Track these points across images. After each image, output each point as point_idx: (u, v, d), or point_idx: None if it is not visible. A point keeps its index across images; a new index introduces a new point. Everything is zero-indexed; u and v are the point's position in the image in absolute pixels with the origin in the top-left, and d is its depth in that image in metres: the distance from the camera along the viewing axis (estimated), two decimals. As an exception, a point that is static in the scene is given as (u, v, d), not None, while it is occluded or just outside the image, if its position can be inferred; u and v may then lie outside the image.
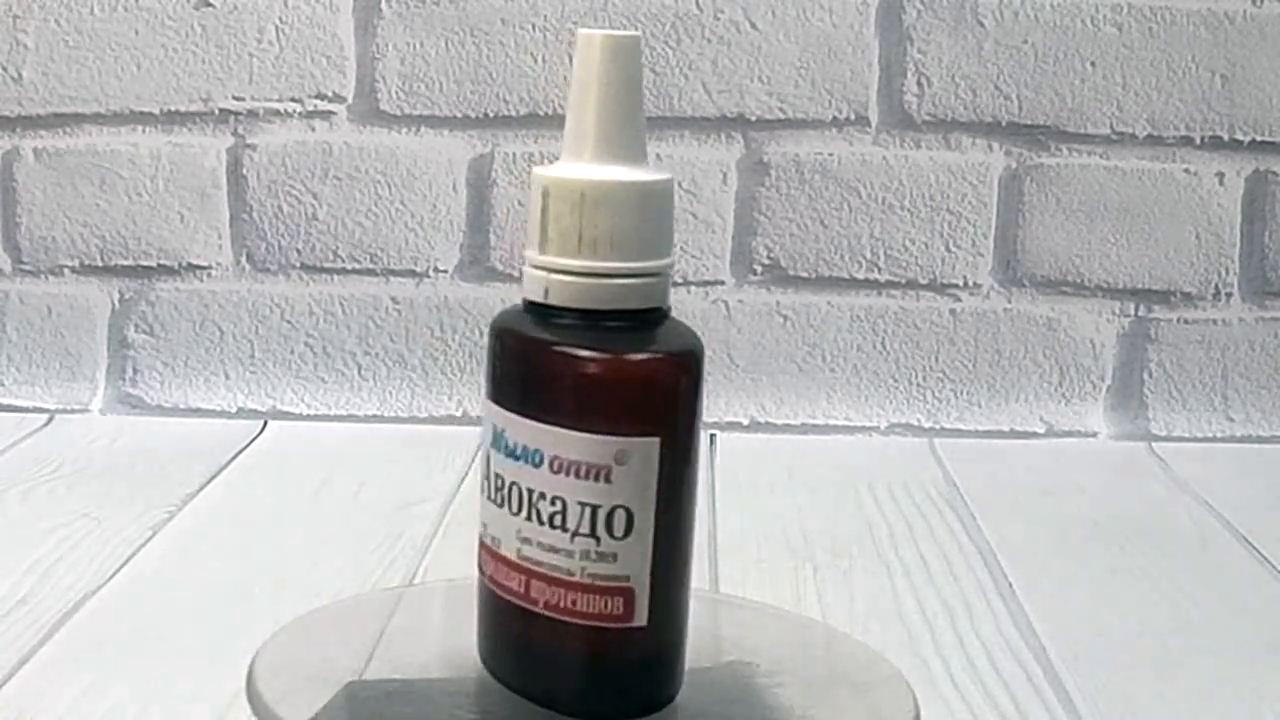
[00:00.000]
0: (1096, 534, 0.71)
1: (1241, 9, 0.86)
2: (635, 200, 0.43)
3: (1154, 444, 0.87)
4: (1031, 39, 0.86)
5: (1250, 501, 0.77)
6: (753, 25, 0.85)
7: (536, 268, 0.44)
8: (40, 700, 0.49)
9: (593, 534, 0.42)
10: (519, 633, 0.44)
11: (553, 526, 0.43)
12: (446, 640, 0.47)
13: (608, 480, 0.42)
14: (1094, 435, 0.88)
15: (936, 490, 0.77)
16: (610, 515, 0.42)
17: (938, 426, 0.88)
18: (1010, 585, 0.63)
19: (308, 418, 0.87)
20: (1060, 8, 0.85)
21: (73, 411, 0.87)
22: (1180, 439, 0.88)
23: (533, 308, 0.44)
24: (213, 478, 0.76)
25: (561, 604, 0.43)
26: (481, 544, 0.45)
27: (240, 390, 0.87)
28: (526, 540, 0.43)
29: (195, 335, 0.87)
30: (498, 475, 0.44)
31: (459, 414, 0.87)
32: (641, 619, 0.43)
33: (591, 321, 0.43)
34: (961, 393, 0.88)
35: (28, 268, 0.87)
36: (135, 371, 0.88)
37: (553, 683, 0.44)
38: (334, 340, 0.87)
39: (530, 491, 0.43)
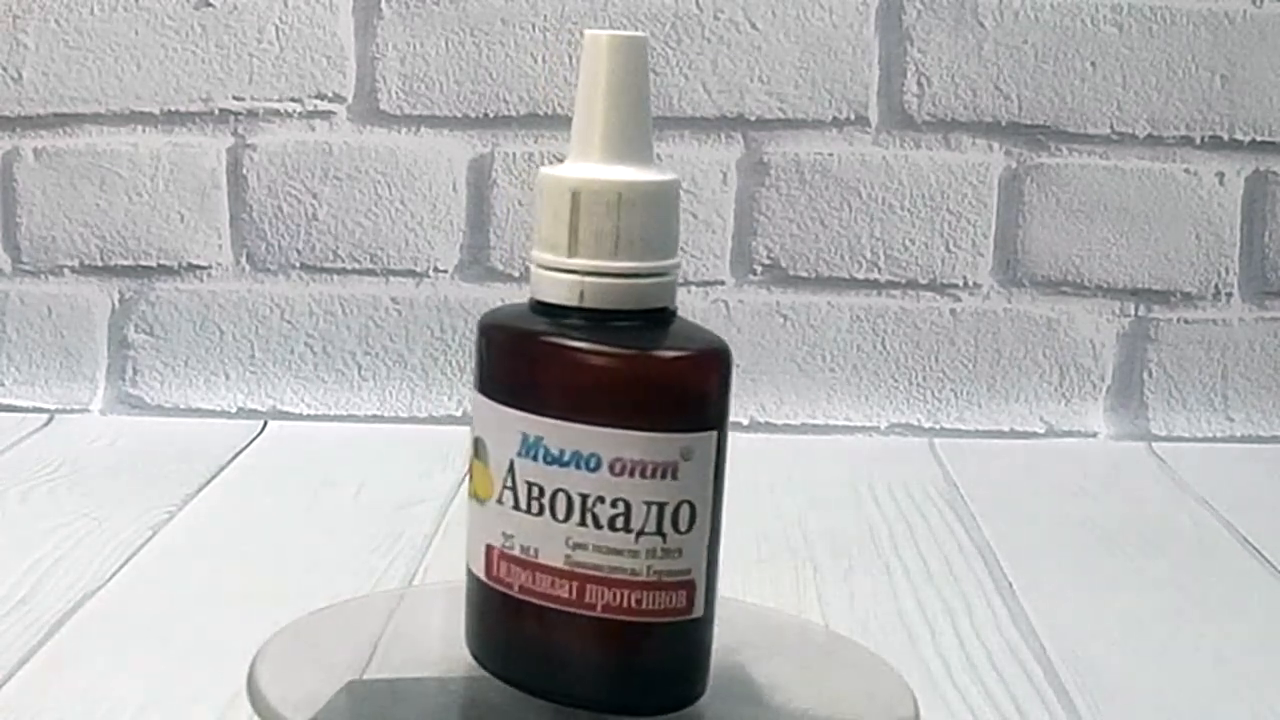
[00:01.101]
0: (1096, 534, 0.71)
1: (1241, 9, 0.86)
2: (663, 199, 0.44)
3: (1154, 444, 0.87)
4: (1031, 39, 0.86)
5: (1250, 501, 0.77)
6: (753, 25, 0.85)
7: (566, 271, 0.43)
8: (40, 700, 0.49)
9: (659, 531, 0.43)
10: (562, 639, 0.44)
11: (613, 529, 0.43)
12: (447, 641, 0.47)
13: (674, 477, 0.43)
14: (1094, 435, 0.88)
15: (936, 490, 0.77)
16: (676, 511, 0.43)
17: (938, 426, 0.88)
18: (1010, 585, 0.63)
19: (308, 418, 0.87)
20: (1060, 8, 0.85)
21: (73, 411, 0.87)
22: (1180, 439, 0.88)
23: (544, 309, 0.44)
24: (213, 478, 0.76)
25: (624, 604, 0.43)
26: (501, 555, 0.44)
27: (240, 390, 0.88)
28: (580, 546, 0.43)
29: (195, 335, 0.87)
30: (531, 484, 0.43)
31: (459, 414, 0.87)
32: (699, 610, 0.44)
33: (600, 321, 0.43)
34: (961, 393, 0.88)
35: (28, 268, 0.87)
36: (135, 371, 0.88)
37: (603, 684, 0.44)
38: (334, 340, 0.87)
39: (584, 497, 0.43)
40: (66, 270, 0.87)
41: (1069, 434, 0.88)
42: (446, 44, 0.85)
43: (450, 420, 0.87)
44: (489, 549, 0.44)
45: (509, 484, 0.44)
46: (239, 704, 0.46)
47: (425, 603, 0.56)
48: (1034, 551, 0.68)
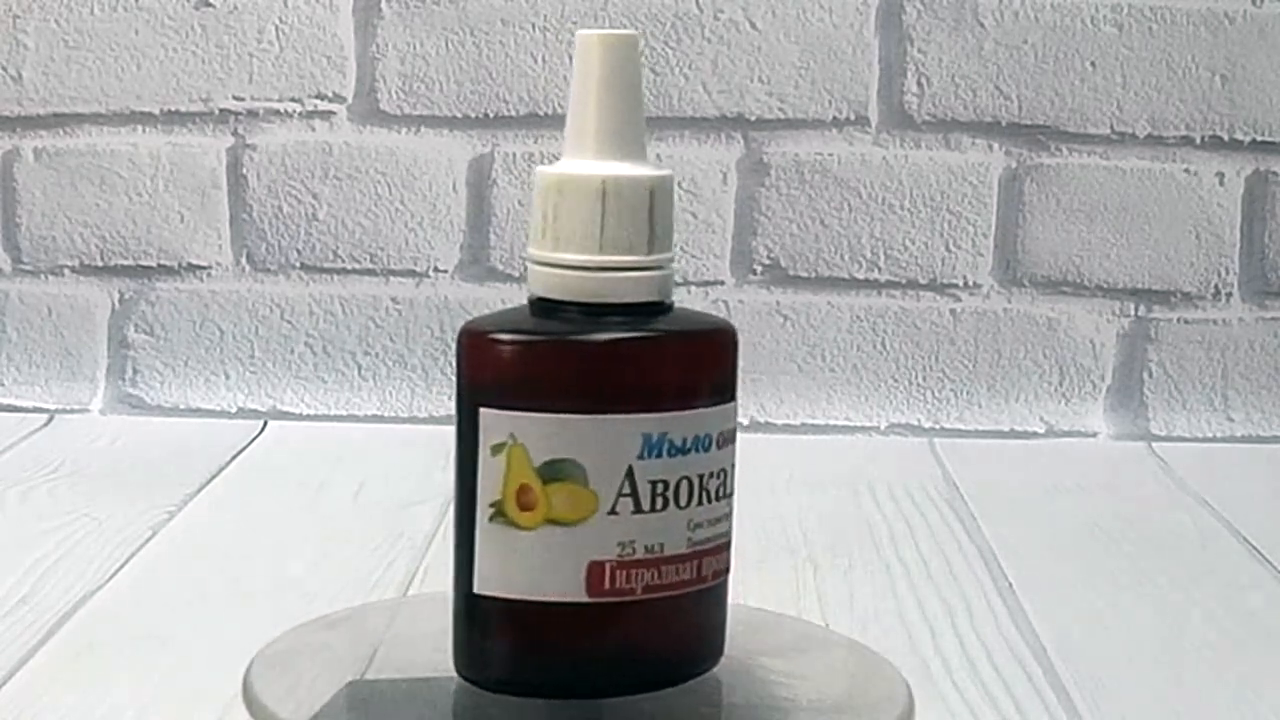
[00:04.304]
0: (1096, 534, 0.71)
1: (1241, 9, 0.86)
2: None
3: (1154, 444, 0.87)
4: (1031, 39, 0.86)
5: (1250, 501, 0.77)
6: (753, 25, 0.85)
7: (648, 269, 0.44)
8: (40, 700, 0.49)
9: (731, 490, 0.46)
10: (683, 618, 0.45)
11: (717, 498, 0.45)
12: (448, 644, 0.47)
13: (735, 437, 0.46)
14: (1094, 435, 0.88)
15: (936, 490, 0.77)
16: (734, 466, 0.46)
17: (938, 426, 0.88)
18: (1010, 585, 0.63)
19: (308, 418, 0.87)
20: (1060, 8, 0.85)
21: (73, 411, 0.87)
22: (1180, 439, 0.88)
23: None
24: (213, 478, 0.76)
25: (723, 565, 0.46)
26: (619, 565, 0.43)
27: (240, 390, 0.88)
28: (698, 525, 0.44)
29: (195, 335, 0.87)
30: (655, 481, 0.43)
31: (459, 414, 0.87)
32: None
33: (644, 313, 0.44)
34: (961, 393, 0.88)
35: (28, 268, 0.87)
36: (135, 371, 0.88)
37: (705, 648, 0.46)
38: (334, 340, 0.87)
39: (700, 477, 0.44)
40: (66, 270, 0.87)
41: (1069, 434, 0.88)
42: (446, 44, 0.86)
43: (450, 420, 0.87)
44: (594, 567, 0.43)
45: (626, 491, 0.43)
46: (239, 704, 0.46)
47: (426, 609, 0.55)
48: (1034, 551, 0.68)
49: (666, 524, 0.44)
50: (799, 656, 0.53)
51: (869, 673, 0.51)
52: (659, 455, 0.43)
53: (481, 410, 0.44)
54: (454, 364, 0.45)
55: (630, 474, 0.43)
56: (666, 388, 0.44)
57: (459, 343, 0.45)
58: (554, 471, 0.43)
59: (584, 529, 0.43)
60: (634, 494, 0.43)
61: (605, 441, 0.43)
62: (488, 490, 0.43)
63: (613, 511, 0.43)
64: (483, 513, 0.44)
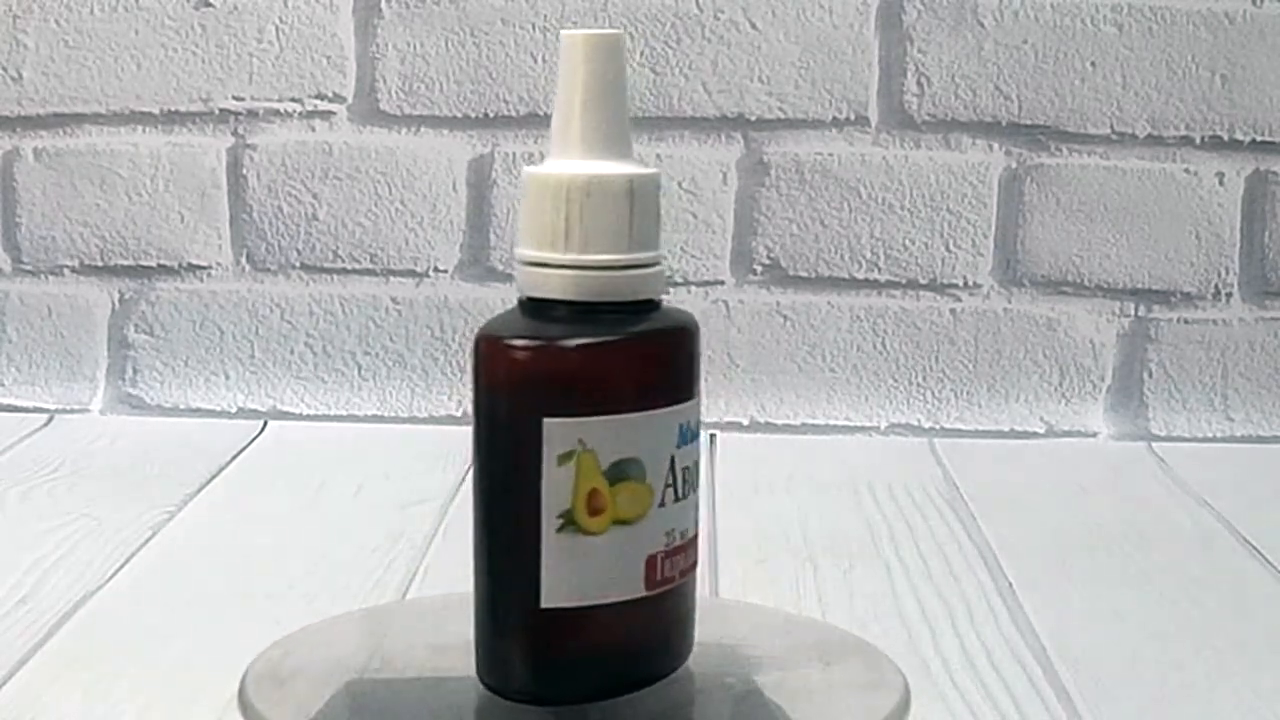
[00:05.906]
0: (1096, 534, 0.71)
1: (1241, 9, 0.86)
2: None
3: (1154, 444, 0.87)
4: (1031, 39, 0.86)
5: (1250, 501, 0.77)
6: (753, 25, 0.85)
7: (659, 264, 0.45)
8: (40, 700, 0.49)
9: None
10: (693, 597, 0.46)
11: (697, 482, 0.46)
12: (448, 646, 0.47)
13: None
14: (1094, 435, 0.88)
15: (936, 490, 0.77)
16: None
17: (938, 426, 0.88)
18: (1010, 585, 0.63)
19: (308, 418, 0.87)
20: (1060, 8, 0.85)
21: (73, 411, 0.87)
22: (1180, 439, 0.88)
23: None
24: (213, 478, 0.76)
25: (697, 548, 0.46)
26: (665, 555, 0.44)
27: (240, 390, 0.88)
28: (696, 507, 0.46)
29: (195, 335, 0.87)
30: (685, 469, 0.45)
31: (459, 414, 0.87)
32: None
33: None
34: (961, 393, 0.88)
35: (28, 268, 0.87)
36: (135, 371, 0.88)
37: (692, 636, 0.47)
38: (334, 340, 0.87)
39: (696, 462, 0.45)
40: (66, 270, 0.87)
41: (1069, 434, 0.88)
42: (446, 44, 0.86)
43: (450, 420, 0.87)
44: (650, 560, 0.44)
45: (670, 481, 0.44)
46: (237, 705, 0.46)
47: (422, 612, 0.55)
48: (1034, 551, 0.68)
49: (688, 508, 0.45)
50: (785, 637, 0.54)
51: (865, 648, 0.52)
52: (686, 443, 0.44)
53: (545, 421, 0.42)
54: (472, 378, 0.43)
55: (673, 464, 0.44)
56: (692, 379, 0.45)
57: (484, 355, 0.43)
58: (619, 472, 0.43)
59: (642, 524, 0.44)
60: (674, 483, 0.44)
61: (657, 435, 0.44)
62: (555, 501, 0.42)
63: (662, 503, 0.44)
64: (549, 524, 0.42)
